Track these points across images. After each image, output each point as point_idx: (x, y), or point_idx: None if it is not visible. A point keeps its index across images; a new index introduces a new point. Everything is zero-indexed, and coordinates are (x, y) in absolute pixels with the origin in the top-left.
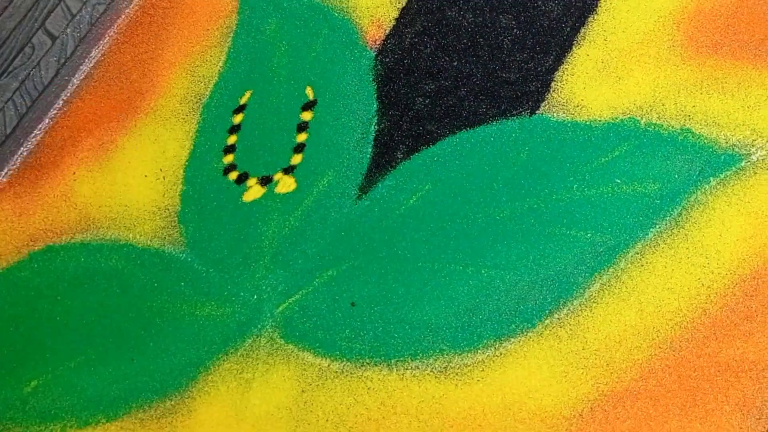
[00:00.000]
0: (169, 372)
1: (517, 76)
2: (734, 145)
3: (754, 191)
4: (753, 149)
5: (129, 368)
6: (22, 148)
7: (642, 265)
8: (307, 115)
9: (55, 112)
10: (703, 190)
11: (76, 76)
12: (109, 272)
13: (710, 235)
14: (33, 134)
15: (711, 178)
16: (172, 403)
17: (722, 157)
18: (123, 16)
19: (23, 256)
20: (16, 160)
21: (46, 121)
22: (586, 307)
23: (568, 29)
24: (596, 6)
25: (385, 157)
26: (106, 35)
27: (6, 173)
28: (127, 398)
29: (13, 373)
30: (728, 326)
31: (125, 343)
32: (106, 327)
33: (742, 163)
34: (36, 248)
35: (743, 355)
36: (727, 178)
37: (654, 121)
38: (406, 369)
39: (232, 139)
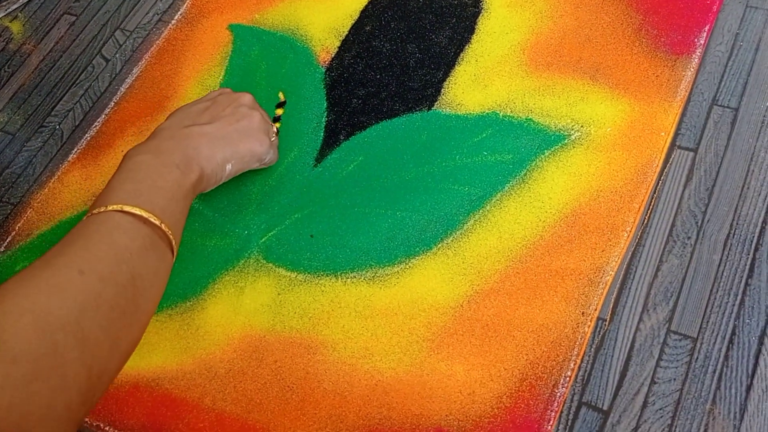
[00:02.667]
0: (188, 283)
1: (419, 85)
2: (560, 128)
3: (573, 158)
4: (572, 132)
5: None
6: (86, 134)
7: (500, 208)
8: (279, 111)
9: (108, 110)
10: (540, 158)
11: (123, 86)
12: None
13: (544, 188)
14: (94, 125)
15: (545, 150)
16: (191, 303)
17: (552, 136)
18: (154, 46)
19: (87, 207)
20: (82, 143)
21: (103, 116)
22: (464, 235)
23: (452, 53)
24: (470, 39)
25: (332, 139)
26: (143, 58)
27: (75, 152)
28: (160, 301)
29: None
30: (556, 246)
31: None
32: None
33: (565, 141)
34: None
35: (566, 264)
36: (555, 151)
37: (508, 114)
38: (347, 278)
39: None
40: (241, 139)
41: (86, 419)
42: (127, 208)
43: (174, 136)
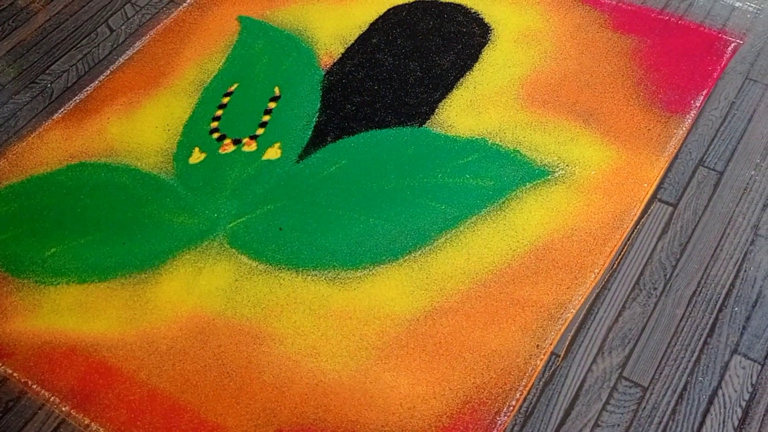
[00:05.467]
0: (147, 255)
1: (415, 101)
2: (546, 164)
3: (553, 195)
4: (557, 169)
5: (121, 249)
6: (76, 97)
7: (473, 231)
8: (272, 105)
9: (103, 77)
10: (521, 189)
11: (122, 57)
12: (120, 185)
13: (520, 219)
14: (85, 89)
15: (527, 183)
16: (146, 275)
17: (536, 170)
18: (161, 24)
19: (63, 166)
20: (71, 104)
21: (96, 82)
22: (433, 252)
23: (452, 77)
24: (472, 66)
25: (319, 138)
26: (148, 34)
27: (62, 111)
28: (116, 268)
29: (40, 242)
30: (522, 277)
31: (122, 232)
32: (110, 220)
33: (548, 177)
34: (73, 162)
35: (529, 296)
36: (537, 185)
37: (497, 143)
38: (308, 275)
39: (219, 112)
40: None
41: (15, 374)
42: None
43: None
